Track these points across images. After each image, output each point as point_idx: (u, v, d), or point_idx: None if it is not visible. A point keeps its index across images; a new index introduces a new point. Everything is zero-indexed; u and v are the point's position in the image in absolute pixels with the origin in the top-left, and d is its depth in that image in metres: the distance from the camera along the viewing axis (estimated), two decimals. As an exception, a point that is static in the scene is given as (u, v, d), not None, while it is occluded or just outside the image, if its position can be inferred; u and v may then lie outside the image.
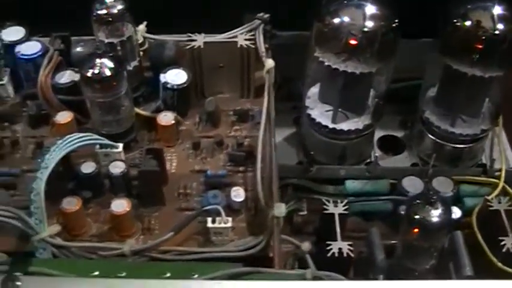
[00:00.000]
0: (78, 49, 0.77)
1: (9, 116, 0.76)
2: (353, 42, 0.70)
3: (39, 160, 0.65)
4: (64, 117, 0.72)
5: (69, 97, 0.73)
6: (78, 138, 0.67)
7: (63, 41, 0.77)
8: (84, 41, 0.78)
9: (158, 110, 0.74)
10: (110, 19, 0.71)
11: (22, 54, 0.75)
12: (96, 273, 0.56)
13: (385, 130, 0.83)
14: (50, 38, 0.77)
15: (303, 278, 0.57)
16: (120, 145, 0.70)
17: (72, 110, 0.72)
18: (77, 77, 0.74)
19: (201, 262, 0.61)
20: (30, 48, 0.75)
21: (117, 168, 0.67)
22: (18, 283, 0.46)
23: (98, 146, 0.69)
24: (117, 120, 0.71)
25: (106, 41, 0.72)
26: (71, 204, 0.65)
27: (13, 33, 0.78)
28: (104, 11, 0.71)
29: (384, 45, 0.71)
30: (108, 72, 0.67)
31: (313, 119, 0.75)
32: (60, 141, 0.66)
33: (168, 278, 0.56)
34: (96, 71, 0.67)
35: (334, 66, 0.71)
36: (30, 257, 0.59)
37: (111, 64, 0.68)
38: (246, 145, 0.73)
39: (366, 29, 0.69)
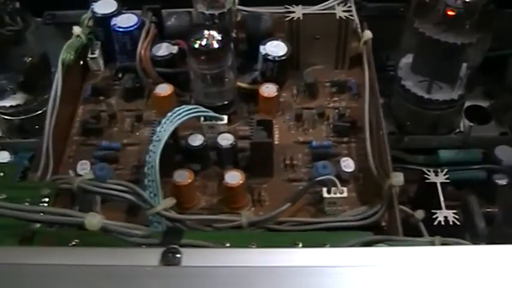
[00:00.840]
0: (172, 22, 0.76)
1: (103, 89, 0.75)
2: (452, 12, 0.70)
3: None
4: (164, 89, 0.71)
5: (168, 69, 0.73)
6: (187, 110, 0.66)
7: (155, 14, 0.76)
8: (177, 13, 0.77)
9: (254, 82, 0.73)
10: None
11: (119, 27, 0.73)
12: (228, 244, 0.56)
13: (471, 100, 0.83)
14: (142, 11, 0.76)
15: (432, 244, 0.57)
16: (225, 117, 0.69)
17: (169, 83, 0.72)
18: (174, 49, 0.73)
19: (326, 232, 0.60)
20: (126, 20, 0.74)
21: (225, 140, 0.67)
22: (178, 255, 0.46)
23: (202, 119, 0.69)
24: (220, 92, 0.70)
25: (207, 12, 0.71)
26: (183, 177, 0.64)
27: (105, 6, 0.76)
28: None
29: (484, 16, 0.70)
30: (216, 44, 0.67)
31: (408, 90, 0.75)
32: (170, 114, 0.65)
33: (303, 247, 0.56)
34: (205, 43, 0.66)
35: (435, 37, 0.70)
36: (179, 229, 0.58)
37: (219, 36, 0.67)
38: (348, 116, 0.72)
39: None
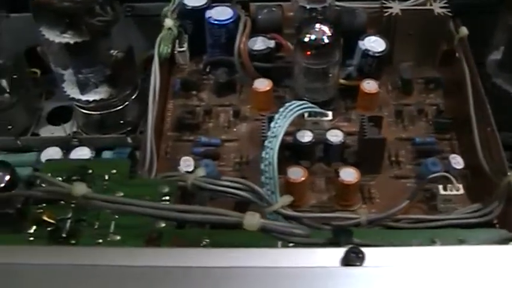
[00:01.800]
0: (263, 15, 0.74)
1: (193, 83, 0.73)
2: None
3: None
4: (264, 84, 0.69)
5: (266, 64, 0.71)
6: (298, 106, 0.64)
7: (243, 7, 0.74)
8: (267, 7, 0.75)
9: (348, 77, 0.72)
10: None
11: (214, 20, 0.71)
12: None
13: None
14: (231, 4, 0.74)
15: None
16: (330, 113, 0.67)
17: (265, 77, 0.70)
18: (271, 43, 0.71)
19: (460, 229, 0.59)
20: (222, 13, 0.71)
21: (335, 136, 0.65)
22: (361, 255, 0.44)
23: (306, 114, 0.67)
24: (324, 88, 0.68)
25: (308, 6, 0.69)
26: (297, 174, 0.62)
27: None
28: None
29: None
30: (326, 39, 0.65)
31: (499, 87, 0.74)
32: (282, 109, 0.63)
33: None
34: (315, 37, 0.65)
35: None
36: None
37: (329, 30, 0.65)
38: (446, 112, 0.71)
39: None
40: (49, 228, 0.56)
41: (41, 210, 0.57)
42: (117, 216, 0.55)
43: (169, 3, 0.76)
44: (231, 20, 0.71)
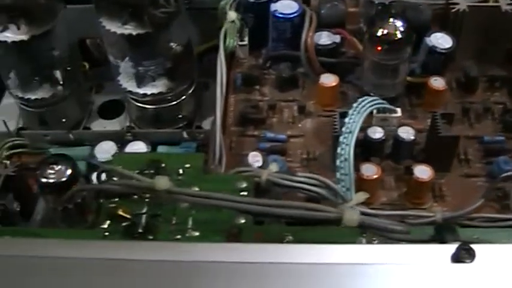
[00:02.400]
0: (326, 10, 0.72)
1: (255, 78, 0.71)
2: None
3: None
4: (330, 80, 0.67)
5: (332, 59, 0.69)
6: (371, 101, 0.62)
7: (304, 1, 0.72)
8: (330, 1, 0.73)
9: (411, 74, 0.70)
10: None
11: (280, 13, 0.69)
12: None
13: None
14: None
15: None
16: (398, 110, 0.66)
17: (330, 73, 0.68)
18: (336, 38, 0.70)
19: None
20: (287, 7, 0.69)
21: (406, 133, 0.63)
22: (471, 252, 0.42)
23: (375, 111, 0.65)
24: (392, 84, 0.66)
25: (376, 1, 0.68)
26: (371, 171, 0.61)
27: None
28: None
29: None
30: (399, 35, 0.63)
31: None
32: (356, 105, 0.62)
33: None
34: (388, 32, 0.63)
35: None
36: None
37: (402, 26, 0.63)
38: (514, 111, 0.69)
39: None
40: (124, 224, 0.54)
41: (114, 205, 0.55)
42: (194, 211, 0.54)
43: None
44: (296, 14, 0.69)
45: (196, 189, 0.54)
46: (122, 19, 0.67)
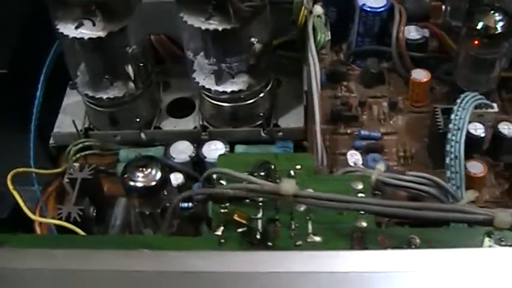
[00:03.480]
0: (411, 4, 0.70)
1: (340, 74, 0.68)
2: None
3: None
4: (422, 75, 0.64)
5: (421, 54, 0.66)
6: (472, 97, 0.60)
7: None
8: None
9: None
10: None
11: (369, 7, 0.66)
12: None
13: None
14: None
15: None
16: (495, 105, 0.63)
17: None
18: (425, 32, 0.67)
19: None
20: (375, 1, 0.67)
21: (508, 129, 0.61)
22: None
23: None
24: (487, 79, 0.64)
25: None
26: (478, 168, 0.59)
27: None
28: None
29: None
30: (499, 28, 0.61)
31: None
32: (459, 101, 0.59)
33: None
34: (489, 25, 0.60)
35: None
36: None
37: (503, 19, 0.61)
38: None
39: None
40: (240, 230, 0.51)
41: (226, 210, 0.52)
42: (311, 215, 0.51)
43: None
44: (385, 8, 0.66)
45: (319, 192, 0.51)
46: (206, 14, 0.64)
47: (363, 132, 0.63)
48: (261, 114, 0.71)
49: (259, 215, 0.51)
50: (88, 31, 0.65)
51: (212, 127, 0.72)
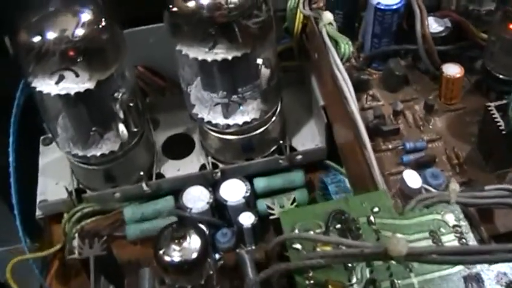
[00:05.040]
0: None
1: (361, 81, 0.60)
2: None
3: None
4: (455, 70, 0.57)
5: (449, 46, 0.59)
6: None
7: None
8: None
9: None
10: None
11: (385, 5, 0.58)
12: None
13: None
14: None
15: None
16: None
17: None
18: (447, 23, 0.60)
19: None
20: None
21: None
22: None
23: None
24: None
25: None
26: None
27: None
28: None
29: None
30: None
31: None
32: (516, 95, 0.53)
33: None
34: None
35: None
36: None
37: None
38: None
39: None
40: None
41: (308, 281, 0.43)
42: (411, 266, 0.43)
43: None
44: (402, 3, 0.58)
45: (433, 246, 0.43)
46: (209, 43, 0.54)
47: (408, 145, 0.55)
48: (275, 139, 0.63)
49: (354, 280, 0.43)
50: (72, 84, 0.54)
51: (220, 163, 0.63)
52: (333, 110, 0.59)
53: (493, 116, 0.52)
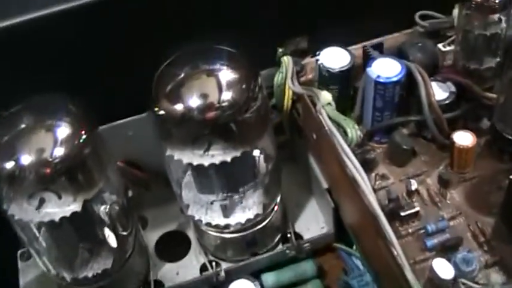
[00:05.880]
0: (415, 54, 0.58)
1: (369, 160, 0.55)
2: None
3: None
4: (467, 139, 0.53)
5: (455, 113, 0.55)
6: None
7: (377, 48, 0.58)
8: (414, 44, 0.59)
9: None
10: None
11: (386, 78, 0.53)
12: None
13: None
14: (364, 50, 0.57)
15: None
16: None
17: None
18: (451, 87, 0.55)
19: None
20: (387, 68, 0.53)
21: None
22: None
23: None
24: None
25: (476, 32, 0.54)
26: None
27: (334, 56, 0.56)
28: None
29: None
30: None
31: None
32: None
33: None
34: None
35: None
36: None
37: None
38: None
39: None
40: None
41: None
42: None
43: (279, 70, 0.58)
44: (403, 74, 0.53)
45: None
46: (203, 145, 0.49)
47: (429, 228, 0.51)
48: (278, 228, 0.58)
49: None
50: (55, 208, 0.48)
51: (222, 261, 0.57)
52: (339, 192, 0.55)
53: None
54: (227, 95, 0.47)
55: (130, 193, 0.60)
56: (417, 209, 0.52)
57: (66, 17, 0.55)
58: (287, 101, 0.58)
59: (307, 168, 0.59)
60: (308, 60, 0.60)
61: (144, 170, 0.61)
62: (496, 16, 0.53)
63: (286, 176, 0.61)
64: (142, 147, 0.56)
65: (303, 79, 0.59)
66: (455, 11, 0.59)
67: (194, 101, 0.47)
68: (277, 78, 0.57)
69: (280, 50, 0.59)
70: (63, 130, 0.47)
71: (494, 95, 0.55)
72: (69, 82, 0.53)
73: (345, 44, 0.59)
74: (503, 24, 0.54)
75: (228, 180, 0.51)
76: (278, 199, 0.56)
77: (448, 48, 0.58)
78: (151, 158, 0.57)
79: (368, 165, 0.54)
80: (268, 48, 0.59)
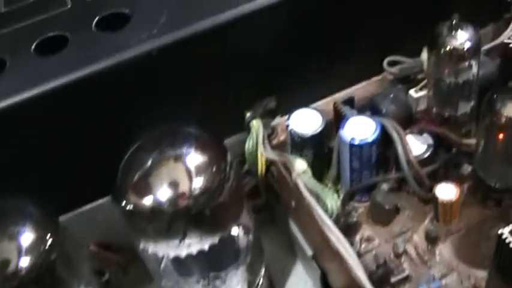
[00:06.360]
0: (388, 106, 0.56)
1: (353, 225, 0.53)
2: None
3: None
4: (450, 192, 0.51)
5: (433, 166, 0.53)
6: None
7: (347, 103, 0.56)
8: (385, 95, 0.57)
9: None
10: None
11: (361, 140, 0.51)
12: None
13: None
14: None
15: None
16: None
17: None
18: (428, 140, 0.54)
19: None
20: (362, 129, 0.51)
21: None
22: None
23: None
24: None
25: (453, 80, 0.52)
26: None
27: (304, 119, 0.54)
28: None
29: None
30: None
31: None
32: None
33: None
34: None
35: None
36: None
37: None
38: None
39: None
40: None
41: None
42: None
43: (249, 137, 0.56)
44: (378, 134, 0.51)
45: None
46: (178, 235, 0.46)
47: (424, 290, 0.49)
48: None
49: None
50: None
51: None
52: (324, 260, 0.53)
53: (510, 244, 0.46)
54: (198, 182, 0.44)
55: (106, 276, 0.58)
56: (407, 273, 0.50)
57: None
58: (261, 167, 0.55)
59: (288, 233, 0.57)
60: (278, 120, 0.58)
61: (120, 250, 0.59)
62: (466, 63, 0.51)
63: (268, 241, 0.58)
64: (115, 229, 0.53)
65: (275, 141, 0.57)
66: (424, 54, 0.56)
67: (164, 193, 0.44)
68: (248, 144, 0.55)
69: (248, 114, 0.56)
70: (27, 236, 0.45)
71: (472, 141, 0.54)
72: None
73: (314, 98, 0.57)
74: (475, 70, 0.52)
75: (209, 265, 0.48)
76: (262, 272, 0.54)
77: (420, 93, 0.56)
78: (126, 237, 0.54)
79: (351, 229, 0.52)
80: (235, 112, 0.57)
